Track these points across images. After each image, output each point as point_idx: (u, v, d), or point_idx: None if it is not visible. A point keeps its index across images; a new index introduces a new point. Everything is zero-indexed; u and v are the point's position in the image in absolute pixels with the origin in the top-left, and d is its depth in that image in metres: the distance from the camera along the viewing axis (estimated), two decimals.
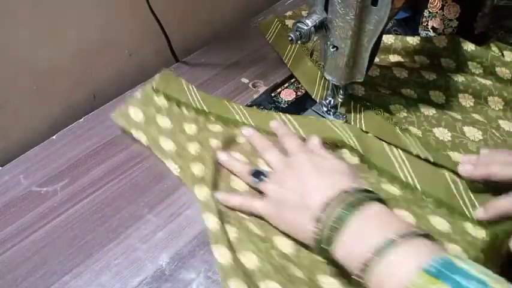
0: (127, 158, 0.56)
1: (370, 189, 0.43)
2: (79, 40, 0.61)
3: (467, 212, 0.47)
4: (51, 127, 0.61)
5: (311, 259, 0.45)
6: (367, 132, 0.56)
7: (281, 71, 0.67)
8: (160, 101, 0.59)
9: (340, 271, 0.43)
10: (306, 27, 0.50)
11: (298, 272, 0.43)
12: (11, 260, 0.47)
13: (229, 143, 0.55)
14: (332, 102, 0.58)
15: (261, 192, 0.49)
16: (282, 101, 0.62)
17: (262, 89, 0.64)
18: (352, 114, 0.59)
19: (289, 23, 0.73)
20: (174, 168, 0.53)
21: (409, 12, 0.71)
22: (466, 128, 0.56)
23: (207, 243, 0.47)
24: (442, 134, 0.56)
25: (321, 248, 0.41)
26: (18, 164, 0.56)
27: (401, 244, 0.36)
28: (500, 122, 0.57)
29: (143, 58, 0.70)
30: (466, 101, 0.59)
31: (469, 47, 0.62)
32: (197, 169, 0.51)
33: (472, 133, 0.55)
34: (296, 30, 0.50)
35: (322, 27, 0.51)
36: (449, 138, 0.55)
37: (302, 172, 0.46)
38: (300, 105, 0.62)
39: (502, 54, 0.63)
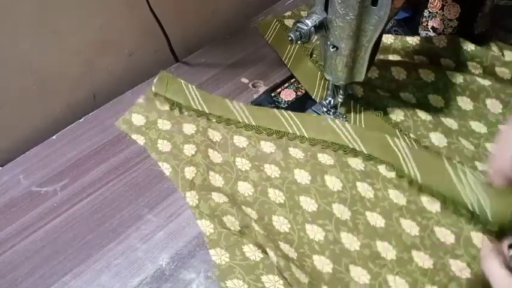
0: (127, 158, 0.56)
1: None
2: (79, 40, 0.61)
3: (470, 206, 0.46)
4: (51, 127, 0.61)
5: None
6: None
7: (281, 71, 0.67)
8: (161, 104, 0.59)
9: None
10: (306, 27, 0.50)
11: (300, 276, 0.44)
12: (11, 260, 0.47)
13: (232, 151, 0.55)
14: (332, 102, 0.58)
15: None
16: (282, 101, 0.62)
17: (262, 89, 0.64)
18: (352, 114, 0.59)
19: (289, 23, 0.73)
20: (166, 168, 0.53)
21: (409, 12, 0.71)
22: (460, 138, 0.56)
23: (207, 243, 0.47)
24: (439, 139, 0.55)
25: None
26: (18, 164, 0.56)
27: None
28: (500, 127, 0.57)
29: (143, 58, 0.70)
30: (465, 104, 0.59)
31: (468, 46, 0.62)
32: (189, 172, 0.52)
33: (467, 145, 0.55)
34: (296, 30, 0.50)
35: (322, 27, 0.51)
36: (445, 144, 0.55)
37: None
38: (300, 105, 0.62)
39: (502, 54, 0.63)
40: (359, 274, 0.45)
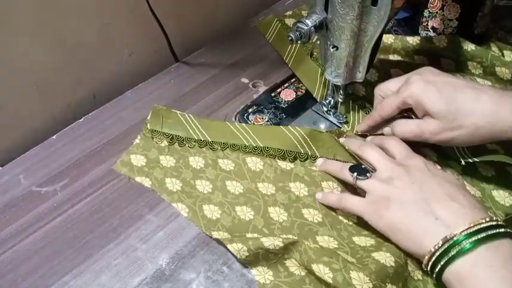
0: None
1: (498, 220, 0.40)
2: (79, 40, 0.61)
3: None
4: (51, 127, 0.61)
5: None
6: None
7: (281, 71, 0.67)
8: (161, 141, 0.56)
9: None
10: (306, 27, 0.50)
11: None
12: (11, 260, 0.47)
13: (251, 177, 0.52)
14: (332, 102, 0.58)
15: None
16: (282, 101, 0.62)
17: (262, 89, 0.64)
18: (352, 114, 0.59)
19: (289, 22, 0.73)
20: (182, 209, 0.50)
21: (409, 12, 0.71)
22: None
23: (207, 243, 0.47)
24: None
25: (429, 261, 0.40)
26: (18, 164, 0.56)
27: None
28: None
29: (143, 58, 0.70)
30: None
31: (469, 46, 0.62)
32: (209, 210, 0.50)
33: None
34: (296, 30, 0.50)
35: (322, 27, 0.51)
36: None
37: (417, 174, 0.44)
38: (300, 105, 0.62)
39: (502, 54, 0.63)
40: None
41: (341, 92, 0.57)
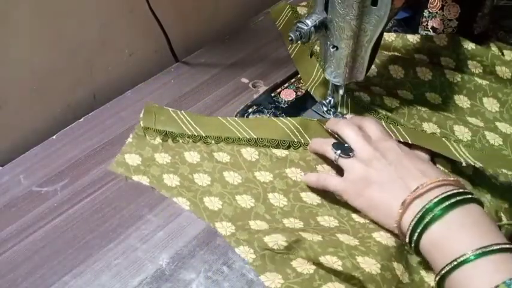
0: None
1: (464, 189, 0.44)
2: (79, 40, 0.61)
3: None
4: (51, 127, 0.61)
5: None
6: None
7: (281, 71, 0.67)
8: (154, 138, 0.56)
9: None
10: (306, 27, 0.50)
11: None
12: (11, 260, 0.47)
13: (247, 167, 0.53)
14: (332, 102, 0.58)
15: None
16: (282, 101, 0.62)
17: (262, 89, 0.64)
18: (352, 114, 0.59)
19: (301, 10, 0.73)
20: (183, 203, 0.50)
21: (409, 12, 0.71)
22: (456, 127, 0.56)
23: (207, 243, 0.47)
24: (432, 129, 0.56)
25: (404, 233, 0.43)
26: (18, 164, 0.56)
27: (485, 258, 0.37)
28: (498, 123, 0.57)
29: (143, 58, 0.70)
30: (462, 102, 0.59)
31: (469, 45, 0.61)
32: (210, 202, 0.50)
33: (462, 132, 0.55)
34: (296, 30, 0.50)
35: (322, 27, 0.51)
36: (438, 134, 0.56)
37: (392, 155, 0.47)
38: (300, 105, 0.62)
39: (502, 53, 0.63)
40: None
41: (341, 91, 0.57)
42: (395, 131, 0.53)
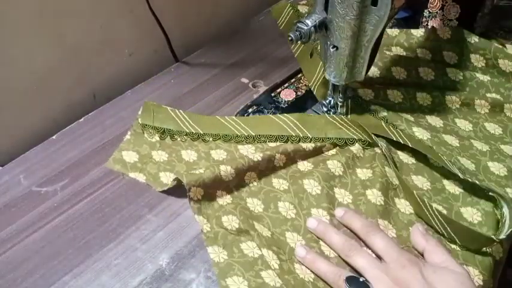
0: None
1: None
2: (79, 40, 0.61)
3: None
4: (51, 127, 0.61)
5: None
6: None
7: (281, 71, 0.67)
8: (152, 136, 0.57)
9: None
10: (306, 27, 0.50)
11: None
12: (11, 260, 0.47)
13: (244, 165, 0.52)
14: (332, 102, 0.58)
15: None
16: (282, 101, 0.62)
17: (262, 89, 0.64)
18: (352, 114, 0.59)
19: (302, 9, 0.73)
20: (170, 179, 0.52)
21: (409, 12, 0.71)
22: (457, 120, 0.57)
23: None
24: (435, 120, 0.57)
25: None
26: (18, 164, 0.56)
27: None
28: (498, 116, 0.58)
29: (143, 58, 0.70)
30: (454, 104, 0.60)
31: (472, 38, 0.62)
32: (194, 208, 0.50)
33: (463, 124, 0.57)
34: (296, 30, 0.50)
35: (322, 27, 0.51)
36: (441, 125, 0.57)
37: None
38: (300, 105, 0.62)
39: (505, 46, 0.63)
40: None
41: (341, 91, 0.57)
42: (395, 133, 0.54)
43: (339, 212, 0.48)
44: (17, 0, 0.52)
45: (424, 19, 0.67)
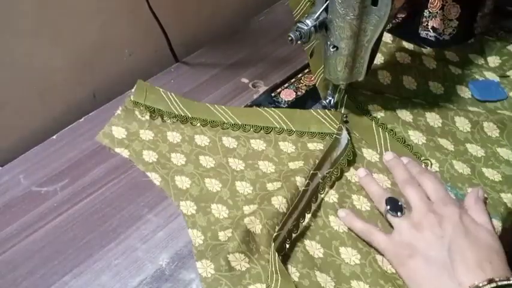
0: (127, 158, 0.55)
1: None
2: (79, 40, 0.61)
3: None
4: (51, 127, 0.61)
5: None
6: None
7: (281, 71, 0.67)
8: (142, 114, 0.58)
9: None
10: (306, 27, 0.50)
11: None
12: (11, 260, 0.47)
13: (223, 152, 0.55)
14: (332, 102, 0.58)
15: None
16: (282, 101, 0.62)
17: (262, 89, 0.64)
18: (352, 114, 0.59)
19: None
20: (155, 178, 0.52)
21: (409, 11, 0.71)
22: (457, 118, 0.57)
23: None
24: (434, 119, 0.57)
25: None
26: (18, 164, 0.56)
27: None
28: (500, 112, 0.58)
29: (143, 58, 0.70)
30: (464, 93, 0.61)
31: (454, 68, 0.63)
32: (180, 181, 0.52)
33: (462, 124, 0.56)
34: (296, 30, 0.50)
35: (322, 27, 0.51)
36: (440, 125, 0.57)
37: (449, 228, 0.42)
38: (300, 105, 0.62)
39: (486, 61, 0.64)
40: (349, 255, 0.46)
41: (341, 91, 0.57)
42: (381, 137, 0.55)
43: (388, 155, 0.53)
44: (17, 0, 0.52)
45: (424, 19, 0.67)
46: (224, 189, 0.51)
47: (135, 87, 0.61)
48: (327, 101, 0.59)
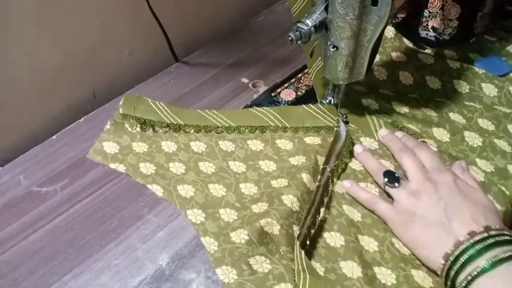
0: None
1: None
2: (79, 40, 0.61)
3: None
4: (51, 127, 0.61)
5: None
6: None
7: (281, 71, 0.67)
8: (132, 126, 0.57)
9: None
10: (306, 27, 0.50)
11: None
12: (11, 260, 0.47)
13: (222, 156, 0.54)
14: (332, 102, 0.58)
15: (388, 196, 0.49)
16: (282, 101, 0.62)
17: (262, 89, 0.64)
18: (352, 114, 0.59)
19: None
20: (157, 190, 0.51)
21: (409, 11, 0.71)
22: (451, 114, 0.58)
23: None
24: (430, 114, 0.58)
25: (447, 275, 0.41)
26: (18, 164, 0.56)
27: None
28: (496, 107, 0.59)
29: (143, 58, 0.70)
30: (462, 87, 0.61)
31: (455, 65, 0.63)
32: (183, 190, 0.51)
33: (457, 119, 0.57)
34: (296, 30, 0.50)
35: (322, 27, 0.51)
36: (436, 117, 0.57)
37: (445, 191, 0.45)
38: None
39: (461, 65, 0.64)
40: (367, 243, 0.47)
41: (341, 91, 0.57)
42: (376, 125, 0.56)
43: (382, 131, 0.55)
44: (17, 0, 0.52)
45: (424, 19, 0.67)
46: (229, 193, 0.51)
47: (122, 100, 0.58)
48: (327, 101, 0.59)
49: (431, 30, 0.67)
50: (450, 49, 0.64)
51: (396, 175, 0.49)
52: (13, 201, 0.52)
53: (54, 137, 0.59)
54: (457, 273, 0.40)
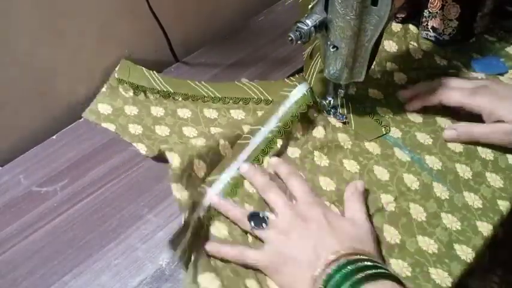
0: (127, 158, 0.56)
1: (381, 265, 0.40)
2: (79, 40, 0.61)
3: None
4: (51, 127, 0.61)
5: None
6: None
7: (281, 71, 0.67)
8: (126, 90, 0.62)
9: None
10: (306, 27, 0.50)
11: None
12: (11, 260, 0.47)
13: (205, 122, 0.58)
14: (332, 102, 0.58)
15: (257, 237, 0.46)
16: None
17: None
18: (351, 114, 0.59)
19: None
20: (141, 148, 0.55)
21: (409, 11, 0.71)
22: (438, 118, 0.58)
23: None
24: (415, 117, 0.58)
25: None
26: (18, 164, 0.56)
27: None
28: None
29: (143, 58, 0.70)
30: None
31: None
32: (165, 147, 0.53)
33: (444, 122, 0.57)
34: (296, 30, 0.50)
35: (322, 27, 0.51)
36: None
37: (313, 228, 0.43)
38: None
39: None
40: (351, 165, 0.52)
41: (341, 91, 0.57)
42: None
43: (243, 167, 0.52)
44: (17, 0, 0.52)
45: (424, 19, 0.67)
46: (208, 142, 0.52)
47: (118, 66, 0.64)
48: (327, 101, 0.59)
49: (431, 30, 0.67)
50: (450, 49, 0.64)
51: (261, 215, 0.46)
52: (13, 201, 0.52)
53: (54, 137, 0.59)
54: None
